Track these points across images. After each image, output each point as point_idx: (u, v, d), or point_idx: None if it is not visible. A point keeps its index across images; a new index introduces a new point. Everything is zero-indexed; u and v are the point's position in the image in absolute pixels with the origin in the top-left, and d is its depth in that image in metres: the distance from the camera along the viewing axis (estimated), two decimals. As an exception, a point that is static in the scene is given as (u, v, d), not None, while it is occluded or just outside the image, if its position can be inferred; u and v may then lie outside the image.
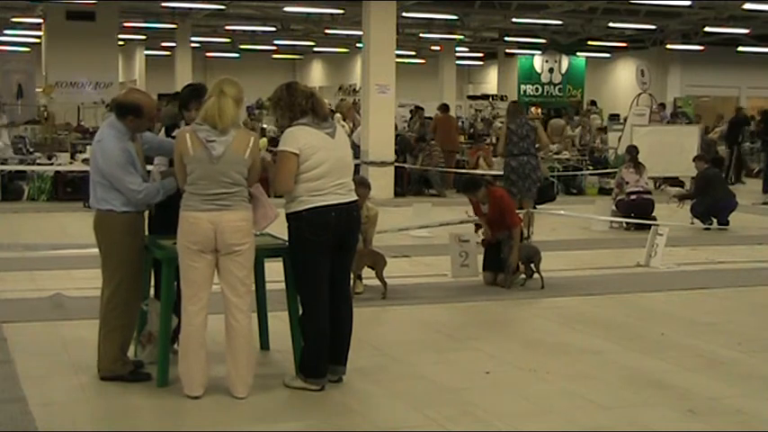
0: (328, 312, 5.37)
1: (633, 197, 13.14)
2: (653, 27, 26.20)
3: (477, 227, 9.33)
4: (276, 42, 33.66)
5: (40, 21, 24.84)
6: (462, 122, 25.26)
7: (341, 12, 23.49)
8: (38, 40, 27.42)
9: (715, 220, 13.07)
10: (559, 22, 26.03)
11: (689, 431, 4.94)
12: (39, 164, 15.95)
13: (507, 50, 33.27)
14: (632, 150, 13.83)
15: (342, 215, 5.32)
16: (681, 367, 6.09)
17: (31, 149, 16.83)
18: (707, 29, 25.98)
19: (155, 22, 27.72)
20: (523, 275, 8.64)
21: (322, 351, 5.36)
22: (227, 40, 33.59)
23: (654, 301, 8.28)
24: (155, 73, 33.26)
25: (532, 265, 8.55)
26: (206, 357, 5.22)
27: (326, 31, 27.91)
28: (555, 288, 8.53)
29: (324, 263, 5.33)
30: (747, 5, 20.74)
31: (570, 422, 5.00)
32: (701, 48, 28.63)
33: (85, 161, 14.45)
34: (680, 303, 8.25)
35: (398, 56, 18.15)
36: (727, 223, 13.06)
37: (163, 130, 6.12)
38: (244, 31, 30.19)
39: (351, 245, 5.58)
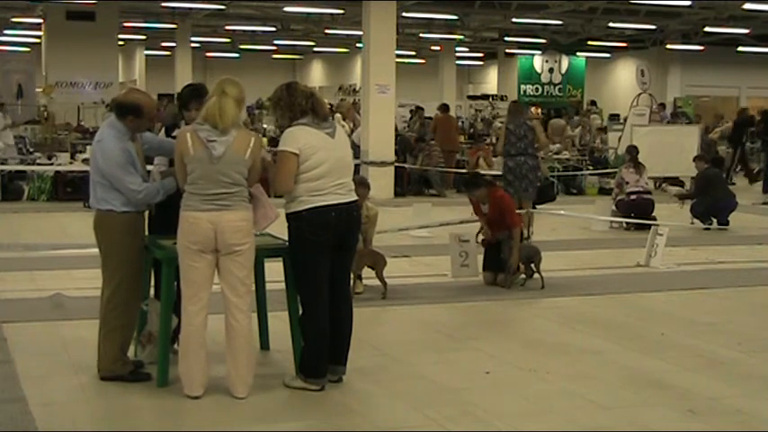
0: (328, 312, 5.37)
1: (633, 197, 13.14)
2: (653, 27, 26.21)
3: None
4: (276, 42, 33.67)
5: (40, 21, 24.86)
6: (462, 122, 25.27)
7: (341, 12, 23.50)
8: (38, 40, 27.43)
9: (715, 220, 13.07)
10: (559, 22, 26.04)
11: (689, 431, 4.94)
12: (39, 164, 15.96)
13: (507, 50, 33.28)
14: (632, 150, 13.83)
15: (342, 215, 5.32)
16: (681, 367, 6.09)
17: (31, 149, 16.84)
18: (707, 29, 25.99)
19: (155, 22, 27.73)
20: (523, 275, 8.64)
21: (322, 351, 5.36)
22: (227, 40, 33.60)
23: (654, 301, 8.28)
24: (155, 73, 33.27)
25: (532, 265, 8.55)
26: (206, 357, 5.22)
27: (326, 31, 27.92)
28: (555, 288, 8.53)
29: (324, 263, 5.33)
30: (747, 5, 20.75)
31: (570, 422, 5.00)
32: (701, 48, 28.64)
33: (85, 161, 14.46)
34: (680, 303, 8.25)
35: (398, 56, 18.16)
36: (727, 223, 13.06)
37: (163, 130, 6.12)
38: (244, 31, 30.20)
39: (351, 245, 5.58)
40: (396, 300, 7.93)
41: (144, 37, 32.43)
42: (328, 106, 19.48)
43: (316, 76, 41.73)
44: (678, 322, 7.43)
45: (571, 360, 6.24)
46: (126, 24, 27.08)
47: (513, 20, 24.95)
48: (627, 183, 13.27)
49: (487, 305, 7.99)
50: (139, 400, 5.22)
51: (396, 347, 6.44)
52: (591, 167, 18.95)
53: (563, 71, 31.16)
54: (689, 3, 21.49)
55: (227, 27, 29.06)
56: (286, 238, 5.47)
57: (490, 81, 37.59)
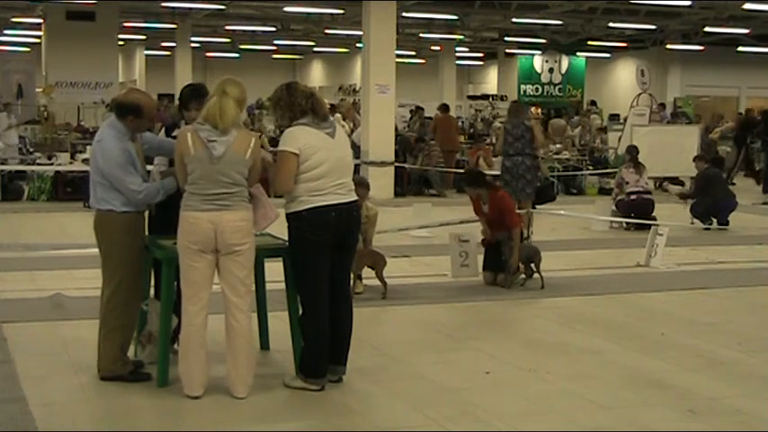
0: (328, 312, 5.37)
1: (633, 197, 13.14)
2: (653, 27, 26.21)
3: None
4: (276, 42, 33.67)
5: (40, 21, 24.86)
6: (462, 122, 25.27)
7: (341, 12, 23.50)
8: (38, 40, 27.43)
9: (715, 220, 13.07)
10: (559, 22, 26.04)
11: (689, 431, 4.94)
12: (39, 164, 15.96)
13: (507, 50, 33.29)
14: (632, 150, 13.83)
15: (342, 215, 5.32)
16: (681, 367, 6.09)
17: (31, 149, 16.83)
18: (707, 29, 25.99)
19: (155, 22, 27.73)
20: (523, 275, 8.64)
21: (322, 351, 5.36)
22: (227, 40, 33.60)
23: (654, 301, 8.28)
24: (155, 73, 33.28)
25: (532, 265, 8.55)
26: (206, 357, 5.22)
27: (326, 31, 27.92)
28: (555, 288, 8.53)
29: (324, 263, 5.33)
30: (747, 5, 20.74)
31: (570, 422, 5.00)
32: (701, 48, 28.64)
33: (85, 161, 14.46)
34: (680, 303, 8.25)
35: (398, 56, 18.15)
36: (727, 223, 13.06)
37: (163, 130, 6.12)
38: (244, 31, 30.20)
39: (351, 245, 5.58)
40: (396, 300, 7.93)
41: (144, 37, 32.43)
42: (329, 106, 19.56)
43: (316, 76, 41.74)
44: (678, 322, 7.43)
45: (571, 360, 6.24)
46: (126, 24, 27.08)
47: (513, 20, 24.94)
48: (627, 183, 13.27)
49: (487, 305, 7.99)
50: (139, 400, 5.22)
51: (396, 347, 6.44)
52: (591, 167, 18.94)
53: (563, 71, 31.17)
54: (689, 3, 21.49)
55: (227, 27, 29.06)
56: (286, 238, 5.47)
57: (490, 81, 37.60)
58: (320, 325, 5.34)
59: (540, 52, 31.30)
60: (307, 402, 5.23)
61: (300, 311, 5.46)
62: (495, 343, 6.65)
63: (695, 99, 30.44)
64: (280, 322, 6.03)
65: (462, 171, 16.07)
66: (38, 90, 24.27)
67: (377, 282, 7.96)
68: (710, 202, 13.02)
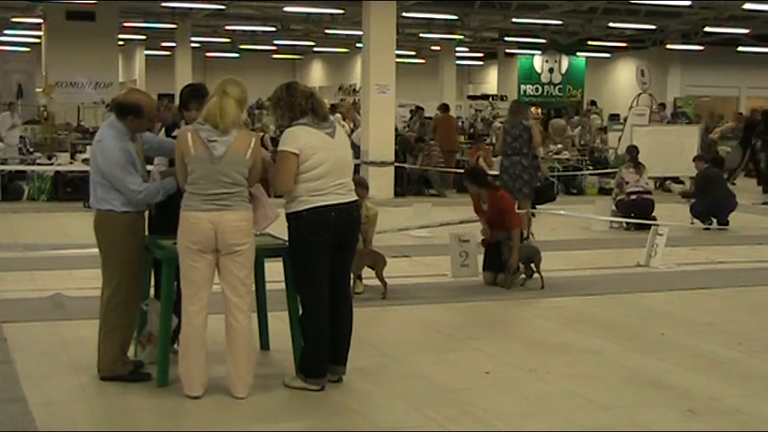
0: (328, 312, 5.37)
1: (633, 197, 13.14)
2: (653, 27, 26.21)
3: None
4: (276, 42, 33.67)
5: (40, 21, 24.86)
6: (462, 122, 25.27)
7: (341, 12, 23.50)
8: (38, 40, 27.44)
9: (715, 220, 13.07)
10: (559, 22, 26.04)
11: (689, 431, 4.94)
12: (39, 164, 15.96)
13: (507, 50, 33.29)
14: (632, 150, 13.82)
15: (342, 215, 5.32)
16: (681, 367, 6.09)
17: (31, 149, 16.84)
18: (707, 29, 25.99)
19: (155, 22, 27.73)
20: (523, 275, 8.64)
21: (322, 351, 5.36)
22: (227, 40, 33.60)
23: (654, 301, 8.27)
24: (155, 73, 33.29)
25: (532, 265, 8.55)
26: (206, 357, 5.22)
27: (326, 31, 27.92)
28: (555, 288, 8.53)
29: (324, 263, 5.33)
30: (747, 5, 20.74)
31: (570, 422, 5.00)
32: (701, 48, 28.64)
33: (85, 161, 14.47)
34: (680, 303, 8.25)
35: (398, 56, 18.15)
36: (727, 223, 13.06)
37: (163, 130, 6.12)
38: (244, 31, 30.20)
39: (351, 245, 5.58)
40: (396, 300, 7.93)
41: (144, 37, 32.44)
42: (331, 106, 19.51)
43: (316, 76, 41.74)
44: (678, 322, 7.43)
45: (571, 360, 6.24)
46: (126, 24, 27.08)
47: (513, 20, 24.95)
48: (627, 183, 13.27)
49: (487, 305, 7.99)
50: (139, 400, 5.22)
51: (396, 347, 6.44)
52: (591, 167, 18.94)
53: (563, 71, 31.17)
54: (689, 3, 21.49)
55: (227, 27, 29.06)
56: (286, 238, 5.47)
57: (490, 81, 37.60)
58: (320, 325, 5.34)
59: (540, 52, 31.30)
60: (307, 402, 5.23)
61: (300, 311, 5.46)
62: (495, 343, 6.65)
63: (695, 99, 30.44)
64: (280, 322, 6.03)
65: (463, 171, 16.08)
66: (38, 90, 24.28)
67: (377, 282, 7.96)
68: (710, 202, 13.02)
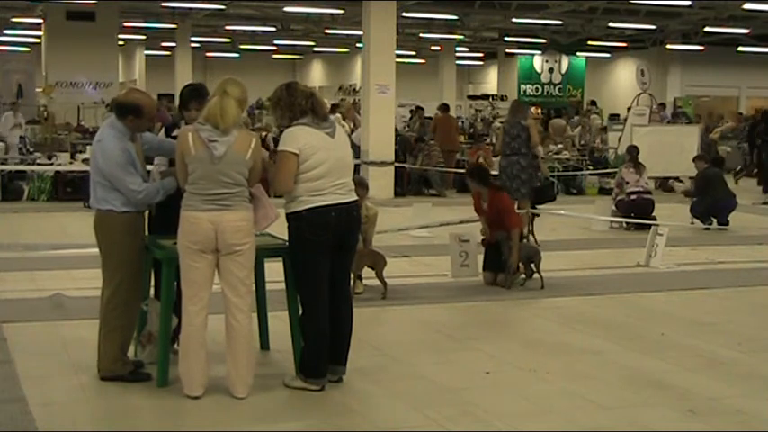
0: (328, 312, 5.37)
1: (633, 197, 13.14)
2: (653, 27, 26.21)
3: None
4: (276, 42, 33.68)
5: (40, 21, 24.87)
6: (462, 122, 25.27)
7: (341, 12, 23.50)
8: (38, 40, 27.44)
9: (715, 220, 13.07)
10: (559, 22, 26.04)
11: (689, 431, 4.94)
12: (39, 164, 15.96)
13: (507, 50, 33.29)
14: (632, 150, 13.82)
15: (342, 215, 5.32)
16: (681, 367, 6.09)
17: (31, 149, 16.85)
18: (707, 29, 25.99)
19: (155, 22, 27.74)
20: (523, 275, 8.64)
21: (322, 351, 5.36)
22: (227, 40, 33.60)
23: (654, 301, 8.27)
24: (155, 73, 33.29)
25: (532, 265, 8.55)
26: (206, 357, 5.22)
27: (326, 31, 27.92)
28: (555, 288, 8.53)
29: (324, 263, 5.33)
30: (747, 5, 20.74)
31: (570, 422, 5.00)
32: (701, 48, 28.64)
33: (85, 161, 14.46)
34: (680, 303, 8.25)
35: (398, 56, 18.15)
36: (727, 223, 13.06)
37: (163, 130, 6.12)
38: (244, 31, 30.21)
39: (351, 245, 5.58)
40: (396, 300, 7.93)
41: (144, 37, 32.44)
42: (332, 105, 19.46)
43: (316, 76, 41.74)
44: (678, 322, 7.43)
45: (571, 360, 6.24)
46: (126, 24, 27.08)
47: (513, 20, 24.94)
48: (627, 183, 13.27)
49: (487, 305, 7.99)
50: (139, 400, 5.22)
51: (396, 347, 6.44)
52: (591, 167, 18.95)
53: (563, 71, 31.17)
54: (689, 3, 21.49)
55: (227, 27, 29.07)
56: (286, 238, 5.47)
57: (490, 81, 37.60)
58: (320, 325, 5.34)
59: (540, 52, 31.30)
60: (307, 402, 5.23)
61: (300, 311, 5.46)
62: (495, 343, 6.65)
63: (695, 99, 30.43)
64: (280, 322, 6.03)
65: (463, 170, 16.08)
66: (38, 90, 24.28)
67: (377, 282, 7.96)
68: (710, 202, 13.02)
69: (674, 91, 30.54)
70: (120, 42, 27.93)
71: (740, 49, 29.42)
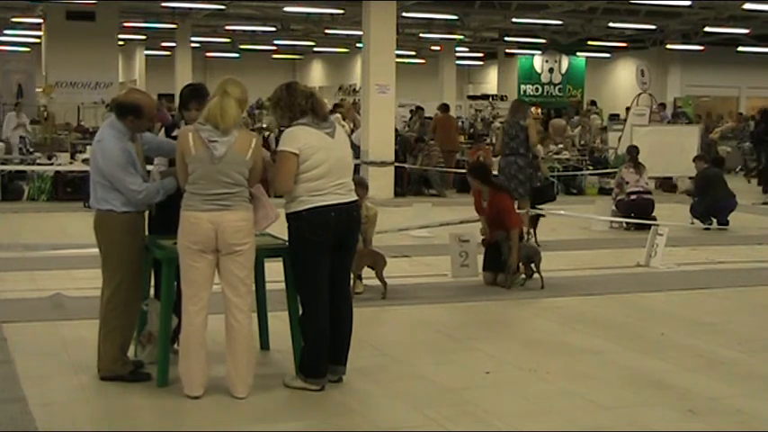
0: (328, 312, 5.37)
1: (633, 197, 13.14)
2: (653, 27, 26.21)
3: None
4: (276, 42, 33.68)
5: (40, 21, 24.87)
6: (462, 122, 25.27)
7: (341, 12, 23.50)
8: (38, 40, 27.44)
9: (715, 220, 13.07)
10: (559, 22, 26.04)
11: (689, 431, 4.94)
12: (39, 164, 15.96)
13: (507, 50, 33.29)
14: (632, 150, 13.82)
15: (342, 215, 5.32)
16: (681, 367, 6.09)
17: (31, 149, 16.85)
18: (707, 29, 25.99)
19: (155, 22, 27.73)
20: (523, 275, 8.64)
21: (322, 351, 5.36)
22: (227, 40, 33.60)
23: (654, 301, 8.27)
24: (155, 73, 33.29)
25: (532, 265, 8.55)
26: (206, 357, 5.22)
27: (326, 31, 27.92)
28: (555, 288, 8.53)
29: (324, 263, 5.33)
30: (747, 5, 20.73)
31: (570, 422, 5.00)
32: (701, 48, 28.64)
33: (85, 161, 14.46)
34: (680, 303, 8.25)
35: (398, 56, 18.15)
36: (727, 223, 13.06)
37: (163, 130, 6.12)
38: (244, 31, 30.21)
39: (351, 245, 5.58)
40: (396, 300, 7.93)
41: (144, 37, 32.44)
42: (334, 105, 19.42)
43: (316, 76, 41.74)
44: (678, 322, 7.43)
45: (571, 360, 6.24)
46: (126, 24, 27.08)
47: (513, 20, 24.94)
48: (627, 183, 13.27)
49: (487, 305, 7.99)
50: (139, 400, 5.22)
51: (396, 347, 6.44)
52: (591, 167, 18.95)
53: (563, 71, 31.17)
54: (689, 3, 21.49)
55: (227, 27, 29.07)
56: (286, 238, 5.47)
57: (490, 81, 37.60)
58: (320, 325, 5.34)
59: (540, 52, 31.30)
60: (307, 402, 5.23)
61: (300, 311, 5.46)
62: (495, 343, 6.65)
63: (695, 99, 30.44)
64: (280, 322, 6.03)
65: (462, 171, 16.08)
66: (38, 90, 24.28)
67: (377, 282, 7.96)
68: (710, 202, 13.02)
69: (674, 91, 30.54)
70: (120, 42, 27.93)
71: (740, 49, 29.42)
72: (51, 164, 15.90)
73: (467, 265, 8.81)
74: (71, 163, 15.91)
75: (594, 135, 22.50)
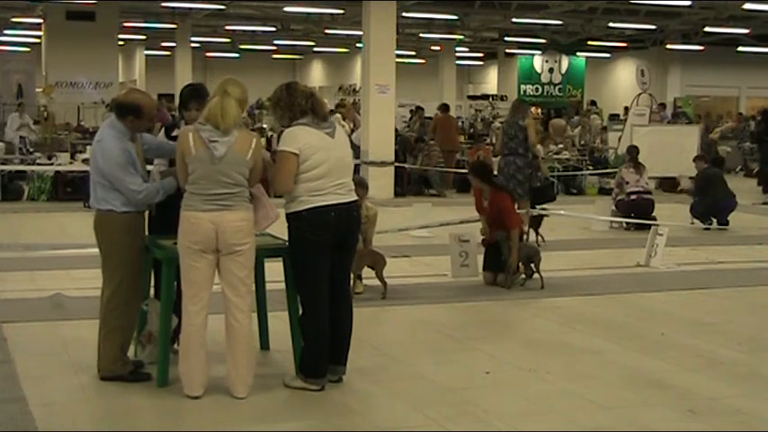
0: (328, 312, 5.37)
1: (633, 197, 13.14)
2: (653, 27, 26.21)
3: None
4: (276, 42, 33.68)
5: (40, 21, 24.87)
6: (462, 122, 25.28)
7: (341, 12, 23.50)
8: (38, 40, 27.44)
9: (715, 221, 13.07)
10: (559, 22, 26.04)
11: (689, 431, 4.94)
12: (39, 164, 15.96)
13: (507, 50, 33.30)
14: (632, 150, 13.82)
15: (342, 215, 5.32)
16: (681, 367, 6.09)
17: (31, 149, 16.86)
18: (707, 29, 26.00)
19: (155, 22, 27.74)
20: (523, 275, 8.64)
21: (322, 351, 5.36)
22: (227, 40, 33.61)
23: (654, 301, 8.27)
24: (155, 73, 33.30)
25: (532, 265, 8.55)
26: (206, 357, 5.22)
27: (326, 31, 27.92)
28: (555, 288, 8.53)
29: (324, 263, 5.33)
30: (747, 5, 20.74)
31: (570, 422, 5.00)
32: (701, 48, 28.65)
33: (85, 161, 14.47)
34: (680, 303, 8.25)
35: (398, 56, 18.15)
36: (727, 223, 13.06)
37: (163, 130, 6.12)
38: (244, 31, 30.21)
39: (351, 245, 5.58)
40: (396, 300, 7.93)
41: (144, 37, 32.44)
42: (335, 105, 19.37)
43: (316, 76, 41.74)
44: (678, 322, 7.43)
45: (571, 360, 6.24)
46: (126, 24, 27.09)
47: (513, 20, 24.95)
48: (627, 183, 13.27)
49: (487, 305, 7.99)
50: (139, 400, 5.22)
51: (396, 347, 6.44)
52: (591, 167, 18.95)
53: (563, 71, 31.18)
54: (689, 3, 21.49)
55: (227, 27, 29.07)
56: (286, 238, 5.47)
57: (490, 81, 37.61)
58: (320, 325, 5.34)
59: (540, 52, 31.30)
60: (307, 402, 5.23)
61: (300, 311, 5.46)
62: (495, 343, 6.65)
63: (695, 99, 30.45)
64: (280, 322, 6.03)
65: (462, 171, 16.08)
66: (38, 90, 24.28)
67: (377, 282, 7.96)
68: (710, 202, 13.02)
69: (674, 91, 30.55)
70: (120, 42, 27.93)
71: (740, 49, 29.43)
72: (51, 164, 15.90)
73: (467, 265, 8.81)
74: (71, 163, 15.91)
75: (594, 135, 22.50)
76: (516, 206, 10.06)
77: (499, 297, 8.24)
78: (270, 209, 5.42)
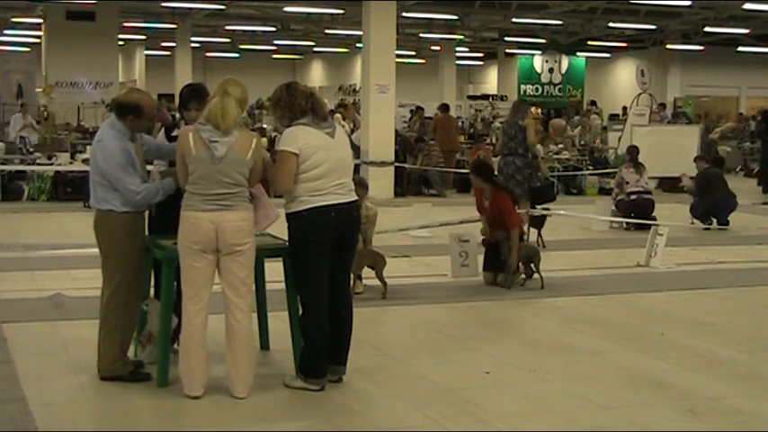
0: (328, 312, 5.37)
1: (633, 197, 13.14)
2: (653, 27, 26.21)
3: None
4: (276, 42, 33.69)
5: (40, 21, 24.87)
6: (462, 122, 25.28)
7: (341, 12, 23.50)
8: (38, 40, 27.45)
9: (715, 221, 13.07)
10: (559, 22, 26.05)
11: (689, 431, 4.94)
12: (39, 164, 15.96)
13: (507, 50, 33.31)
14: (632, 150, 13.82)
15: (342, 215, 5.32)
16: (681, 367, 6.09)
17: (31, 149, 16.86)
18: (707, 29, 26.00)
19: (155, 22, 27.74)
20: (523, 275, 8.64)
21: (322, 351, 5.36)
22: (227, 40, 33.61)
23: (654, 301, 8.28)
24: (155, 73, 33.30)
25: (532, 265, 8.55)
26: (206, 357, 5.22)
27: (326, 31, 27.93)
28: (555, 288, 8.53)
29: (324, 263, 5.33)
30: (747, 5, 20.74)
31: (570, 422, 5.00)
32: (701, 48, 28.65)
33: (85, 161, 14.46)
34: (680, 303, 8.25)
35: (398, 56, 18.15)
36: (727, 223, 13.06)
37: (162, 130, 6.11)
38: (244, 31, 30.21)
39: (351, 245, 5.58)
40: (396, 300, 7.93)
41: (144, 37, 32.45)
42: (335, 105, 19.35)
43: (316, 76, 41.74)
44: (678, 322, 7.43)
45: (571, 360, 6.24)
46: (126, 24, 27.09)
47: (513, 20, 24.95)
48: (627, 183, 13.27)
49: (487, 305, 7.99)
50: (139, 400, 5.22)
51: (396, 347, 6.44)
52: (591, 167, 18.94)
53: (563, 71, 31.18)
54: (689, 3, 21.49)
55: (227, 27, 29.07)
56: (286, 238, 5.47)
57: (490, 81, 37.61)
58: (320, 325, 5.35)
59: (540, 52, 31.31)
60: (307, 402, 5.23)
61: (300, 311, 5.46)
62: (495, 343, 6.65)
63: (695, 99, 30.45)
64: (280, 322, 6.03)
65: (462, 171, 16.08)
66: (38, 90, 24.29)
67: (377, 282, 7.96)
68: (710, 202, 13.02)
69: (674, 91, 30.56)
70: (120, 42, 27.93)
71: (740, 49, 29.43)
72: (51, 164, 15.90)
73: (467, 265, 8.81)
74: (71, 163, 15.91)
75: (594, 135, 22.50)
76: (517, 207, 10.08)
77: (499, 297, 8.24)
78: (270, 209, 5.43)
